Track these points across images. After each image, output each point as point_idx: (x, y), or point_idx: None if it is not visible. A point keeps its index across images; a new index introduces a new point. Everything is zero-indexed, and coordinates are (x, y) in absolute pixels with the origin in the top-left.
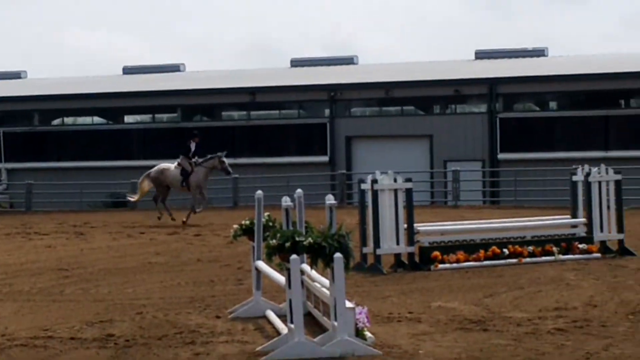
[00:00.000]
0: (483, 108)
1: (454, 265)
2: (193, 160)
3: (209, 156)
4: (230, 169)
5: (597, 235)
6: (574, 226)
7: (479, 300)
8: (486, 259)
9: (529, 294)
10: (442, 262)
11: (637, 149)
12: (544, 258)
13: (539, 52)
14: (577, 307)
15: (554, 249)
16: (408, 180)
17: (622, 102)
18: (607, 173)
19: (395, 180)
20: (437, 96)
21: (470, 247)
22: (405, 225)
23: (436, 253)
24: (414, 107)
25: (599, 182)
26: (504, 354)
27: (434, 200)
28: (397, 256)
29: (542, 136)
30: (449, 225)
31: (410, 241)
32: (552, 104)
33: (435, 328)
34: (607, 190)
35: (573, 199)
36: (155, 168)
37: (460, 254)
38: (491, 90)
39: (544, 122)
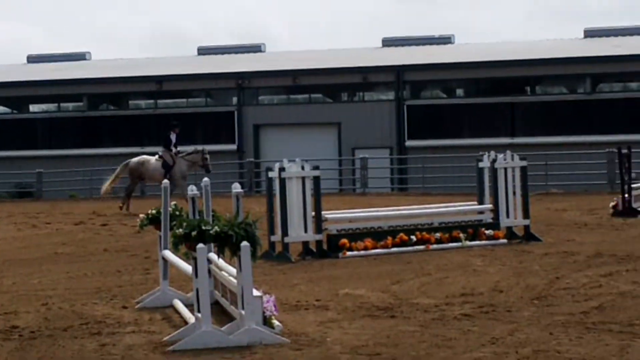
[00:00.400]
0: (391, 95)
1: (362, 252)
2: (174, 151)
3: (192, 150)
4: (211, 167)
5: (503, 221)
6: (481, 212)
7: (387, 287)
8: (394, 246)
9: (436, 280)
10: (350, 249)
11: (542, 135)
12: (451, 244)
13: (446, 40)
14: (483, 292)
15: (461, 235)
16: (316, 168)
17: (528, 89)
18: (512, 159)
19: (302, 168)
20: (344, 84)
21: (378, 235)
22: (313, 213)
23: (344, 240)
24: (322, 94)
25: (505, 169)
26: (411, 340)
27: (342, 187)
28: (305, 244)
29: (449, 123)
30: (357, 213)
31: (318, 229)
32: (459, 91)
33: (342, 315)
34: (513, 176)
35: (479, 185)
36: (135, 159)
37: (368, 241)
38: (398, 77)
39: (451, 109)
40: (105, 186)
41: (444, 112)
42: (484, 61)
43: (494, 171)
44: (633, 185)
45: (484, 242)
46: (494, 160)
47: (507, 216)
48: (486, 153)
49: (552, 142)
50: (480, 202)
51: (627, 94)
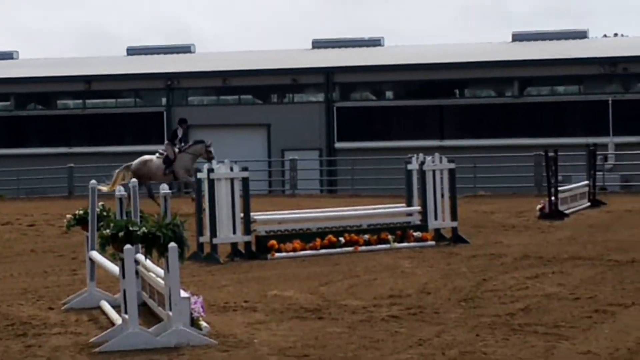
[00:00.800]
0: (320, 97)
1: (291, 254)
2: (178, 146)
3: (194, 141)
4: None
5: (432, 223)
6: (409, 214)
7: (315, 289)
8: (323, 247)
9: (364, 282)
10: (279, 250)
11: (471, 138)
12: (379, 246)
13: (375, 42)
14: (411, 294)
15: (390, 237)
16: (245, 169)
17: (457, 91)
18: (441, 162)
19: (231, 169)
20: (274, 85)
21: (307, 236)
22: (242, 215)
23: (273, 242)
24: (252, 96)
25: (433, 171)
26: (339, 341)
27: (271, 189)
28: (234, 245)
29: (378, 125)
30: (285, 214)
31: (247, 230)
32: (389, 94)
33: (270, 317)
34: (442, 178)
35: (408, 187)
36: (137, 160)
37: (297, 243)
38: (328, 79)
39: (380, 112)
40: (106, 189)
41: (374, 114)
42: (414, 64)
43: (422, 173)
44: (559, 188)
45: (412, 244)
46: (423, 163)
47: (435, 218)
48: (415, 155)
49: (480, 144)
50: (409, 204)
51: (554, 98)
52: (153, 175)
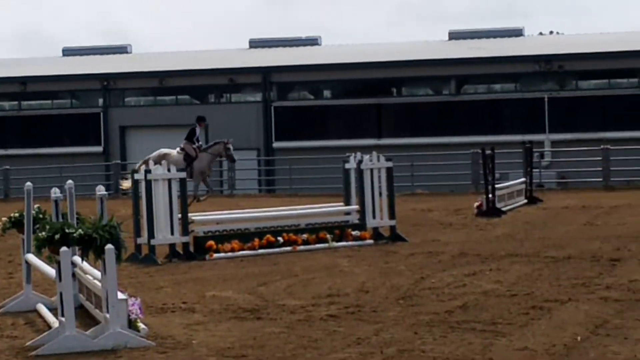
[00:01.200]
0: (258, 97)
1: (229, 254)
2: (197, 145)
3: (214, 142)
4: (235, 157)
5: (370, 222)
6: (347, 213)
7: (253, 289)
8: (261, 247)
9: (302, 282)
10: (217, 251)
11: (408, 137)
12: (318, 245)
13: (313, 41)
14: (349, 293)
15: (328, 236)
16: (182, 169)
17: (394, 90)
18: (378, 160)
19: (168, 170)
20: (211, 85)
21: (245, 236)
22: (180, 215)
23: (211, 242)
24: (189, 96)
25: (371, 170)
26: (277, 341)
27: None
28: (172, 246)
29: (316, 124)
30: (224, 215)
31: (185, 231)
32: (326, 93)
33: (209, 318)
34: (379, 177)
35: (346, 186)
36: (155, 153)
37: (235, 243)
38: (265, 79)
39: (318, 111)
40: (126, 183)
41: (311, 113)
42: (351, 63)
43: (360, 172)
44: (496, 186)
45: (350, 242)
46: (360, 162)
47: (374, 217)
48: (352, 154)
49: (418, 143)
50: (347, 203)
51: (491, 96)
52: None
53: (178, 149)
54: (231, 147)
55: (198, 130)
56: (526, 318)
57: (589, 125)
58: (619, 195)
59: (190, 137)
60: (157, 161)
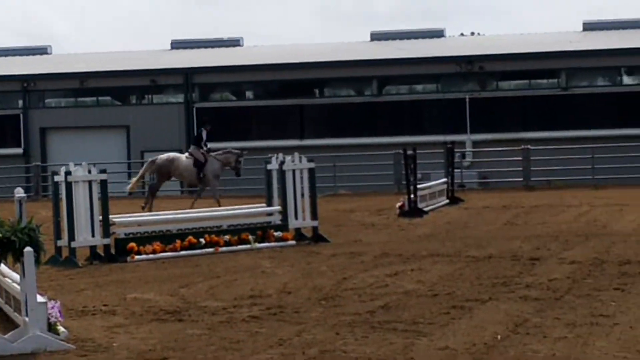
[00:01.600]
0: (180, 98)
1: (151, 256)
2: (205, 149)
3: (226, 150)
4: (242, 171)
5: (292, 223)
6: (270, 214)
7: (175, 291)
8: (183, 249)
9: (224, 283)
10: (139, 253)
11: (330, 137)
12: (240, 247)
13: (235, 42)
14: (271, 294)
15: (250, 237)
16: (103, 171)
17: (316, 91)
18: (300, 161)
19: (89, 172)
20: (133, 86)
21: (166, 238)
22: (101, 217)
23: (132, 244)
24: (110, 97)
25: (293, 171)
26: (199, 343)
27: (132, 191)
28: (93, 248)
29: (238, 125)
30: (145, 216)
31: (106, 233)
32: (249, 94)
33: (130, 320)
34: (302, 178)
35: (268, 187)
36: (164, 156)
37: (157, 245)
38: (187, 80)
39: (240, 112)
40: (132, 184)
41: (234, 114)
42: (273, 64)
43: (282, 173)
44: (419, 186)
45: (273, 243)
46: (282, 163)
47: (296, 218)
48: (275, 155)
49: (340, 143)
50: (269, 204)
51: (412, 96)
52: (179, 175)
53: (186, 154)
54: (242, 161)
55: (204, 134)
56: (447, 317)
57: (509, 125)
58: (539, 195)
59: (198, 142)
60: (165, 164)
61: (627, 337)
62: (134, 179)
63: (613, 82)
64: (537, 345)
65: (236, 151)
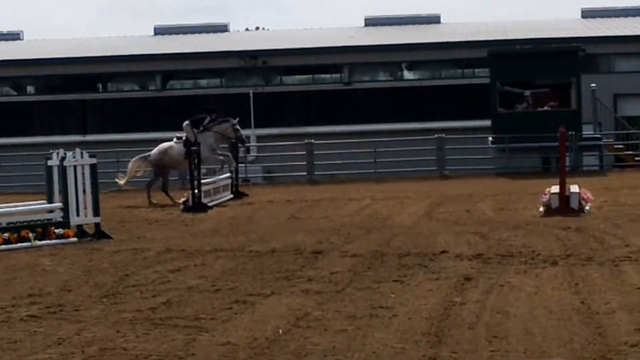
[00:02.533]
0: None
1: None
2: (200, 128)
3: (219, 120)
4: (244, 138)
5: (74, 220)
6: (51, 211)
7: None
8: None
9: (2, 282)
10: None
11: (114, 132)
12: (19, 245)
13: (15, 36)
14: (51, 292)
15: (30, 235)
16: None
17: (100, 86)
18: (82, 157)
19: None
20: None
21: None
22: None
23: None
24: None
25: (75, 167)
26: None
27: None
28: None
29: (19, 121)
30: None
31: None
32: (30, 88)
33: None
34: (83, 174)
35: (49, 184)
36: (155, 150)
37: None
38: None
39: (21, 107)
40: (122, 182)
41: (14, 109)
42: (54, 58)
43: (63, 169)
44: (203, 181)
45: (54, 241)
46: (64, 158)
47: (78, 214)
48: (56, 151)
49: (124, 139)
50: (50, 201)
51: (197, 91)
52: (176, 163)
53: (175, 139)
54: (239, 128)
55: (207, 120)
56: (229, 313)
57: (293, 120)
58: (322, 188)
59: (195, 123)
60: (160, 157)
61: (405, 328)
62: (124, 179)
63: (394, 77)
64: (317, 338)
65: (227, 118)
